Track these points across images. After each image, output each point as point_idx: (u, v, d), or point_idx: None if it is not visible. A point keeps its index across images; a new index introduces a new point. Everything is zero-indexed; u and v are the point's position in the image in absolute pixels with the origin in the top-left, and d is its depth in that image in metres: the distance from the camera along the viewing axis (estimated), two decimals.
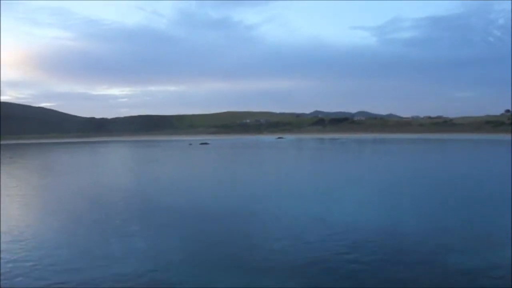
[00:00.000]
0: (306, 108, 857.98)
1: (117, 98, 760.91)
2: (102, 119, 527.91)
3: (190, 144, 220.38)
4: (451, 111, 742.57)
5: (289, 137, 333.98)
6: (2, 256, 27.70)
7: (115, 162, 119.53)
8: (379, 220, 38.22)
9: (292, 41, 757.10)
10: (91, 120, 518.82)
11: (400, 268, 25.31)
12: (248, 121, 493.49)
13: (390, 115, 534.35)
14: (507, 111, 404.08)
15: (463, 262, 26.36)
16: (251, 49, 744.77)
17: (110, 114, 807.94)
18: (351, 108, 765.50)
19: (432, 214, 41.10)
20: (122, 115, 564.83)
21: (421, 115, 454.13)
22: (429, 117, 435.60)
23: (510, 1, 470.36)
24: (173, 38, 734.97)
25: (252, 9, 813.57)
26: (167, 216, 40.95)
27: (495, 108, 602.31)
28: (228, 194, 53.97)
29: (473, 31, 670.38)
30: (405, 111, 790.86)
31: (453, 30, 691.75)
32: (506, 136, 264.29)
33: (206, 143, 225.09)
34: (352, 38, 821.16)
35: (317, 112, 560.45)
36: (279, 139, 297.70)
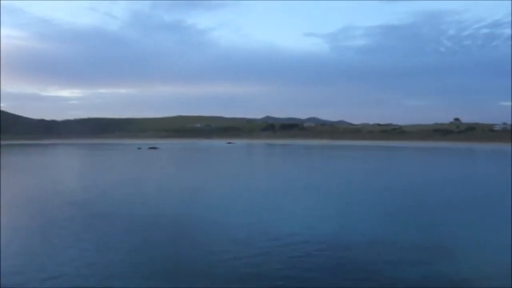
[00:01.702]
0: (257, 113, 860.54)
1: (68, 100, 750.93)
2: (52, 121, 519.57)
3: (139, 148, 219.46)
4: (401, 119, 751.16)
5: (239, 142, 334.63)
6: None
7: (58, 166, 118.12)
8: (323, 228, 39.30)
9: (245, 46, 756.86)
10: (41, 122, 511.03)
11: (342, 281, 26.05)
12: (198, 125, 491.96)
13: (340, 122, 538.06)
14: (456, 119, 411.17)
15: (409, 273, 27.32)
16: (203, 53, 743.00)
17: (60, 116, 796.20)
18: (302, 114, 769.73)
19: (377, 223, 42.24)
20: (72, 117, 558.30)
21: (371, 122, 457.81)
22: (379, 124, 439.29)
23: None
24: (126, 40, 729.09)
25: (205, 13, 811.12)
26: (100, 224, 41.31)
27: (444, 117, 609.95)
28: (171, 202, 54.73)
29: (424, 41, 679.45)
30: (355, 118, 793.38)
31: (405, 39, 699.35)
32: (454, 144, 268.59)
33: (155, 148, 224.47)
34: (305, 44, 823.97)
35: (268, 117, 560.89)
36: (229, 144, 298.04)
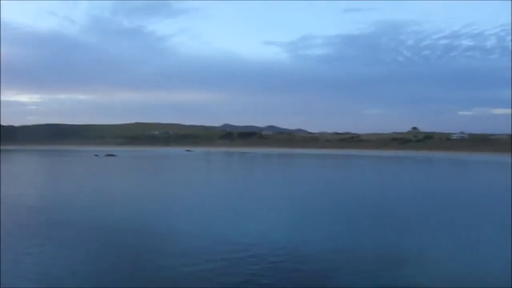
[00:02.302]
0: (216, 121, 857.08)
1: (25, 105, 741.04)
2: (10, 126, 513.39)
3: (96, 155, 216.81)
4: (360, 128, 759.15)
5: (197, 150, 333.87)
6: None
7: (13, 172, 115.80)
8: (281, 238, 38.59)
9: (204, 54, 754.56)
10: None
11: None
12: (156, 132, 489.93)
13: (298, 130, 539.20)
14: (414, 128, 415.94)
15: (367, 282, 26.78)
16: (163, 60, 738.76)
17: (18, 122, 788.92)
18: (261, 122, 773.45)
19: (334, 232, 41.63)
20: (30, 123, 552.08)
21: (329, 131, 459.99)
22: (337, 133, 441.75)
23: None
24: (85, 46, 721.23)
25: (165, 20, 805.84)
26: (48, 232, 40.15)
27: (403, 126, 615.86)
28: (125, 211, 53.19)
29: (384, 50, 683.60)
30: (313, 127, 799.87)
31: (364, 49, 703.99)
32: (412, 153, 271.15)
33: (112, 155, 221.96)
34: (265, 53, 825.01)
35: (226, 125, 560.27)
36: (187, 152, 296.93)
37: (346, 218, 49.46)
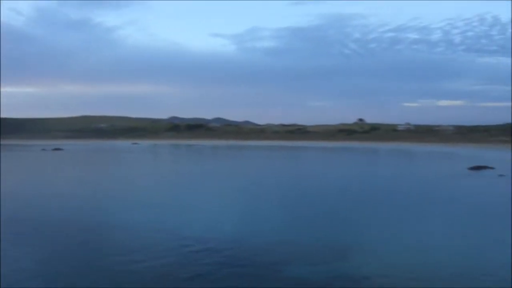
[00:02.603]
0: (163, 113, 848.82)
1: None
2: None
3: (43, 150, 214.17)
4: (307, 120, 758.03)
5: (144, 143, 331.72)
6: None
7: None
8: (228, 231, 39.20)
9: (152, 45, 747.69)
10: None
11: (246, 283, 25.97)
12: (103, 125, 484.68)
13: (246, 122, 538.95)
14: (360, 120, 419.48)
15: (313, 273, 27.40)
16: (110, 52, 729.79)
17: None
18: (208, 114, 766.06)
19: (281, 223, 42.36)
20: None
21: (276, 123, 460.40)
22: (283, 125, 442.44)
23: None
24: (31, 38, 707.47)
25: (113, 12, 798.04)
26: None
27: (349, 117, 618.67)
28: (74, 205, 53.07)
29: (330, 43, 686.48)
30: (261, 119, 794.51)
31: (311, 41, 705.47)
32: (358, 144, 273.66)
33: (59, 149, 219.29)
34: (212, 45, 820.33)
35: (174, 118, 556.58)
36: (134, 145, 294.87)
37: (294, 210, 50.30)
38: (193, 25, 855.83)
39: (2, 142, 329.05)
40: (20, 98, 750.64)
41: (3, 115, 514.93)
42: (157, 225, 41.10)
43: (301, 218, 45.03)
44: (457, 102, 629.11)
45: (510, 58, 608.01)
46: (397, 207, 51.74)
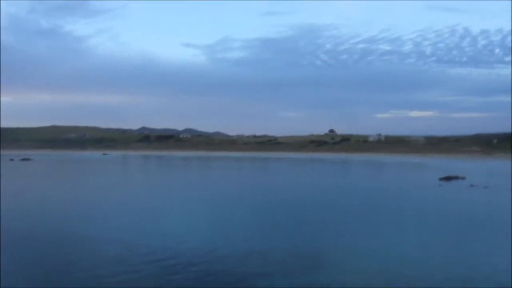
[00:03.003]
0: (133, 124, 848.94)
1: None
2: None
3: (11, 160, 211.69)
4: (278, 131, 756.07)
5: (114, 153, 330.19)
6: None
7: None
8: (197, 242, 38.54)
9: (123, 55, 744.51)
10: None
11: None
12: (72, 136, 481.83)
13: (216, 133, 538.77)
14: (331, 131, 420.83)
15: (282, 284, 26.83)
16: (80, 61, 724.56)
17: None
18: (179, 125, 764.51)
19: (251, 234, 41.74)
20: None
21: (247, 134, 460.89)
22: (254, 136, 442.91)
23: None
24: (1, 45, 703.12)
25: (83, 20, 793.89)
26: None
27: (320, 128, 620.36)
28: (40, 216, 52.01)
29: (301, 54, 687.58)
30: (231, 130, 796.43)
31: (282, 52, 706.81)
32: (329, 155, 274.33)
33: (28, 159, 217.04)
34: (183, 55, 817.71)
35: (144, 128, 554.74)
36: (104, 156, 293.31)
37: (266, 221, 49.79)
38: (165, 35, 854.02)
39: None
40: None
41: None
42: (124, 236, 40.30)
43: (272, 229, 44.59)
44: (428, 113, 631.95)
45: (482, 69, 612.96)
46: (368, 218, 51.46)
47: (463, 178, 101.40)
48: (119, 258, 32.90)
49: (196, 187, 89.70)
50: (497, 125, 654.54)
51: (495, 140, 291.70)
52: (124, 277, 28.30)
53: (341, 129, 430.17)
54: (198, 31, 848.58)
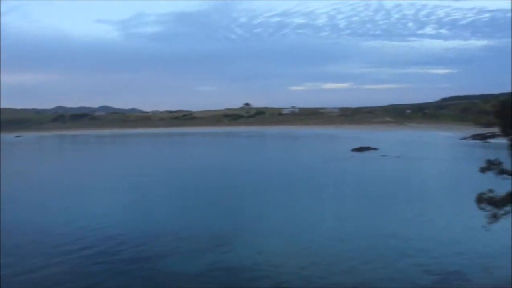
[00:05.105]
0: (48, 103, 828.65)
1: None
2: None
3: None
4: (193, 105, 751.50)
5: (28, 135, 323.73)
6: None
7: None
8: (107, 224, 38.62)
9: (35, 33, 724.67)
10: None
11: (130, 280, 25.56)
12: None
13: (132, 110, 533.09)
14: (246, 104, 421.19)
15: (192, 263, 27.21)
16: None
17: None
18: (94, 103, 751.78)
19: (163, 213, 42.31)
20: None
21: (162, 110, 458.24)
22: (170, 111, 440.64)
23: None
24: None
25: None
26: None
27: (235, 102, 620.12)
28: None
29: (216, 28, 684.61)
30: (147, 106, 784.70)
31: (196, 26, 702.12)
32: (244, 128, 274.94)
33: None
34: (97, 31, 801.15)
35: (59, 107, 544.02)
36: (17, 138, 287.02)
37: (177, 199, 50.13)
38: (77, 11, 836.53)
39: None
40: None
41: None
42: (34, 222, 39.90)
43: (184, 208, 45.10)
44: (343, 85, 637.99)
45: (395, 42, 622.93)
46: (282, 193, 52.32)
47: (375, 149, 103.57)
48: (19, 244, 32.63)
49: (106, 167, 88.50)
50: (410, 96, 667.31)
51: (407, 111, 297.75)
52: (28, 262, 28.18)
53: (257, 102, 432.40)
54: (111, 7, 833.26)
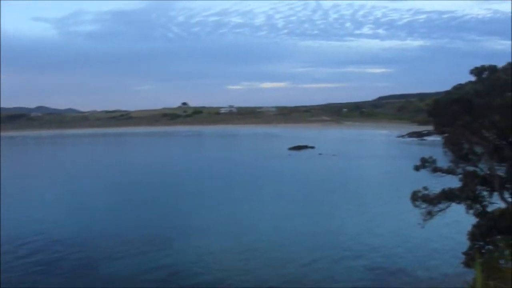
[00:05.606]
0: None
1: None
2: None
3: None
4: (130, 105, 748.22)
5: None
6: None
7: None
8: (49, 228, 37.92)
9: None
10: None
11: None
12: None
13: (69, 110, 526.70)
14: (184, 103, 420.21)
15: (128, 266, 26.90)
16: None
17: None
18: (31, 103, 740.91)
19: (103, 214, 41.70)
20: None
21: (99, 109, 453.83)
22: (107, 111, 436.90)
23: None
24: None
25: None
26: None
27: (173, 101, 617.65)
28: None
29: (153, 26, 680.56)
30: (84, 106, 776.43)
31: (134, 25, 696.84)
32: (182, 128, 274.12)
33: None
34: (34, 30, 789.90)
35: None
36: None
37: (117, 201, 49.48)
38: (15, 9, 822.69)
39: None
40: None
41: None
42: None
43: (123, 210, 44.57)
44: (280, 84, 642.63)
45: (332, 42, 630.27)
46: (222, 193, 52.14)
47: (312, 147, 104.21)
48: None
49: (45, 171, 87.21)
50: (347, 95, 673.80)
51: (344, 109, 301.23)
52: None
53: (194, 102, 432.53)
54: (49, 5, 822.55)
